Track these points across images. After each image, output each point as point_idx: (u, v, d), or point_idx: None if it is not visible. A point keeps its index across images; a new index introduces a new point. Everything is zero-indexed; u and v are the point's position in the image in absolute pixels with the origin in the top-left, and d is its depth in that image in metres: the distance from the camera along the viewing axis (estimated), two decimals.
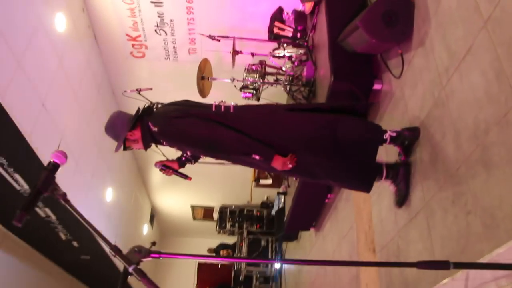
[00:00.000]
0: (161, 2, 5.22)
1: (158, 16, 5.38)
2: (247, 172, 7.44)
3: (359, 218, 3.81)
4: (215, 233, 9.40)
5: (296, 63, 4.53)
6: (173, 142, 2.72)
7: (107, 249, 1.33)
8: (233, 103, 2.79)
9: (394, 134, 2.75)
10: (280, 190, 6.59)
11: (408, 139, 2.75)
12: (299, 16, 4.69)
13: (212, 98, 3.93)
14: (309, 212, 5.22)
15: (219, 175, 8.28)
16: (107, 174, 6.57)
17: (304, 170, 2.75)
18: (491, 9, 2.04)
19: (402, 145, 2.80)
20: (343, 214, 4.38)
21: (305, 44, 4.36)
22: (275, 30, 4.73)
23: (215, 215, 9.32)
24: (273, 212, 7.69)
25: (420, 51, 2.79)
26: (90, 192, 5.92)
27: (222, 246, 9.63)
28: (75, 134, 5.20)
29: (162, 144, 2.78)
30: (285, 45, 4.62)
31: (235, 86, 4.66)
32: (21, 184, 4.52)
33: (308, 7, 4.27)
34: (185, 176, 2.93)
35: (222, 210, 9.18)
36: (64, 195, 1.42)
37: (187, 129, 2.58)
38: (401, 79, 3.07)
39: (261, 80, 4.52)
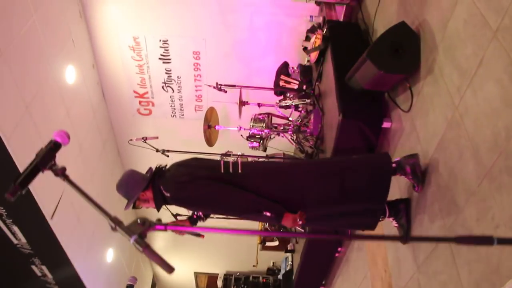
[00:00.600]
0: (169, 59, 5.37)
1: (166, 73, 5.51)
2: (253, 236, 7.19)
3: (374, 264, 3.58)
4: None
5: (303, 111, 4.54)
6: (185, 206, 2.71)
7: (107, 221, 1.22)
8: (239, 154, 2.78)
9: (394, 165, 2.72)
10: (288, 247, 6.31)
11: (409, 164, 2.70)
12: (305, 69, 4.79)
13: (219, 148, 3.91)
14: (318, 269, 4.95)
15: (224, 239, 8.02)
16: (109, 233, 6.33)
17: (314, 222, 2.76)
18: (499, 19, 2.04)
19: (405, 174, 2.73)
20: (356, 265, 4.13)
21: (312, 92, 4.40)
22: (281, 83, 4.81)
23: (219, 283, 8.92)
24: (280, 276, 7.32)
25: (429, 79, 2.78)
26: (91, 250, 5.68)
27: None
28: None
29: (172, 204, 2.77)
30: (291, 96, 4.67)
31: (241, 135, 4.64)
32: (18, 237, 4.34)
33: (313, 56, 4.37)
34: (197, 235, 2.92)
35: (227, 277, 8.85)
36: (63, 169, 1.33)
37: (198, 194, 2.57)
38: (411, 111, 3.03)
39: (267, 129, 4.51)
